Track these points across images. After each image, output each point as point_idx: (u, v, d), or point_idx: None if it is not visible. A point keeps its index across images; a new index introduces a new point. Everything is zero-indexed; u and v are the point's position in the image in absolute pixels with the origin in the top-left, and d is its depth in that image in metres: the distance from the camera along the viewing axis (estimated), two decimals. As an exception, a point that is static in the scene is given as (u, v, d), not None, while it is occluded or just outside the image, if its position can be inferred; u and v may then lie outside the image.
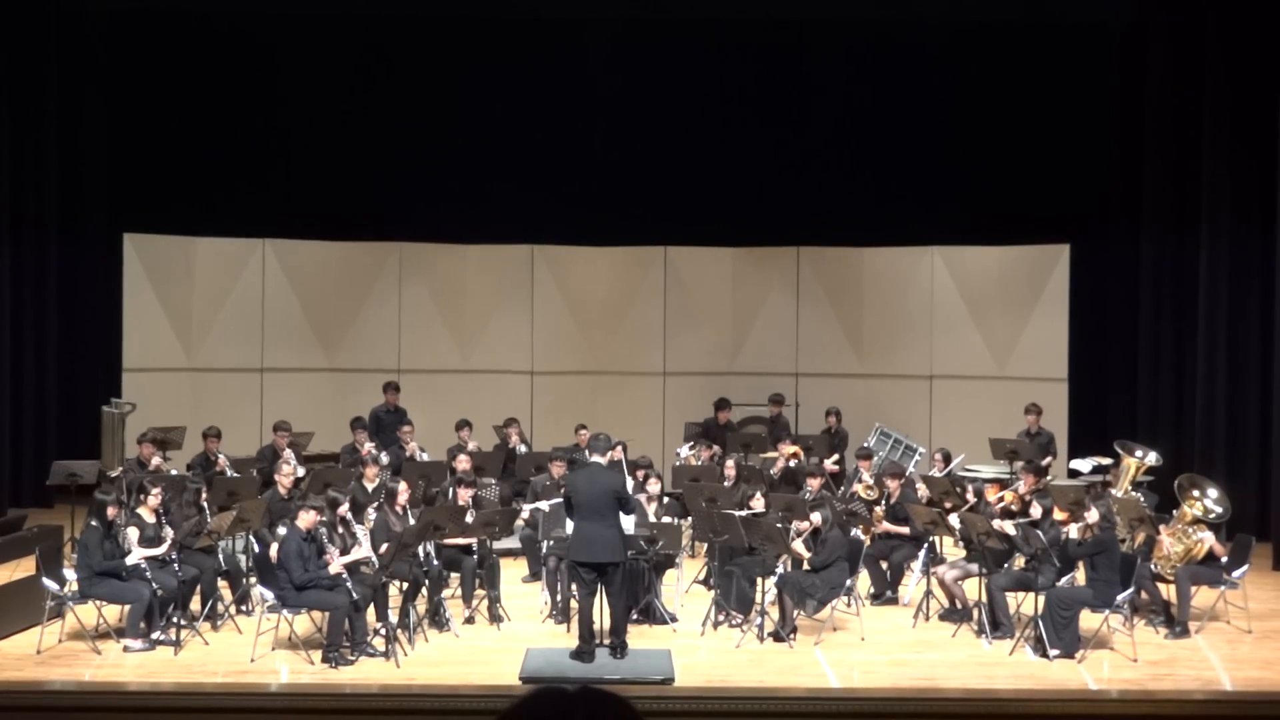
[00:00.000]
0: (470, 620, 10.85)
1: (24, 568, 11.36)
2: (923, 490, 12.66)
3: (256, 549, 10.87)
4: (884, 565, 11.72)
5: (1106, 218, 15.93)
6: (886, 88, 16.22)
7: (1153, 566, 10.90)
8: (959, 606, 10.91)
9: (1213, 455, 13.82)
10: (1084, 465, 13.35)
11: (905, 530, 11.67)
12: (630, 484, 10.95)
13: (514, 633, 10.65)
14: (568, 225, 16.55)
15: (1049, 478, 13.17)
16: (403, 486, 11.10)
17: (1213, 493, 11.29)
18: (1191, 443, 14.20)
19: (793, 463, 13.59)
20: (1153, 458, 12.24)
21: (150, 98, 16.01)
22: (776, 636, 10.30)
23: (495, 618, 10.84)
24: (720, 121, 16.37)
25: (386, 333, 16.78)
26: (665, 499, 12.28)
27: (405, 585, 10.45)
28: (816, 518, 10.61)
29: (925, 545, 11.48)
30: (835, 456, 14.42)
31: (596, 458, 10.06)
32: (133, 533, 10.27)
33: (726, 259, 17.01)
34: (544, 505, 11.88)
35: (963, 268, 16.67)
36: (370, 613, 10.00)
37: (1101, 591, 10.04)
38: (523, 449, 14.29)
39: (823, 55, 16.33)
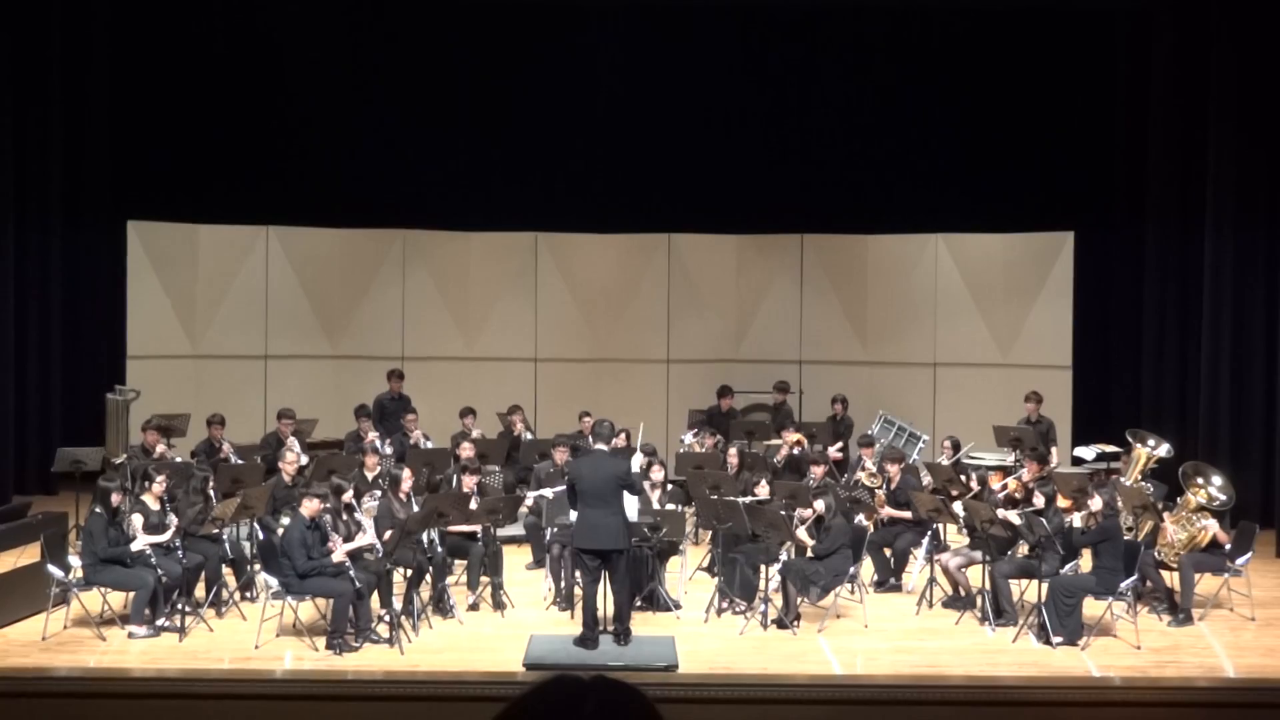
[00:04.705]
0: (474, 607, 10.88)
1: (29, 554, 11.37)
2: (927, 478, 12.67)
3: (261, 536, 10.89)
4: (887, 552, 11.73)
5: (1111, 205, 15.91)
6: (891, 75, 16.19)
7: (1156, 554, 10.90)
8: (962, 594, 10.91)
9: (1216, 443, 13.81)
10: (1088, 453, 13.34)
11: (907, 515, 11.68)
12: (638, 461, 10.92)
13: (518, 620, 10.67)
14: (572, 212, 16.53)
15: (1051, 465, 13.17)
16: (406, 473, 11.12)
17: (1217, 480, 11.29)
18: (1195, 430, 14.20)
19: (796, 450, 13.59)
20: (1164, 449, 12.22)
21: (154, 85, 15.99)
22: (780, 623, 10.32)
23: (499, 605, 10.87)
24: (725, 108, 16.34)
25: (390, 320, 16.78)
26: (669, 486, 12.29)
27: (409, 572, 10.47)
28: (820, 505, 10.62)
29: (929, 533, 11.49)
30: (839, 444, 14.42)
31: (600, 445, 10.08)
32: (137, 519, 10.29)
33: (730, 246, 17.00)
34: (548, 492, 11.90)
35: (967, 255, 16.65)
36: (374, 599, 10.03)
37: (1105, 579, 10.05)
38: (527, 436, 14.30)
39: (827, 42, 16.30)
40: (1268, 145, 13.56)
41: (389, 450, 13.25)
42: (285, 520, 10.82)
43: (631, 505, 10.13)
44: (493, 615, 10.79)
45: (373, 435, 13.50)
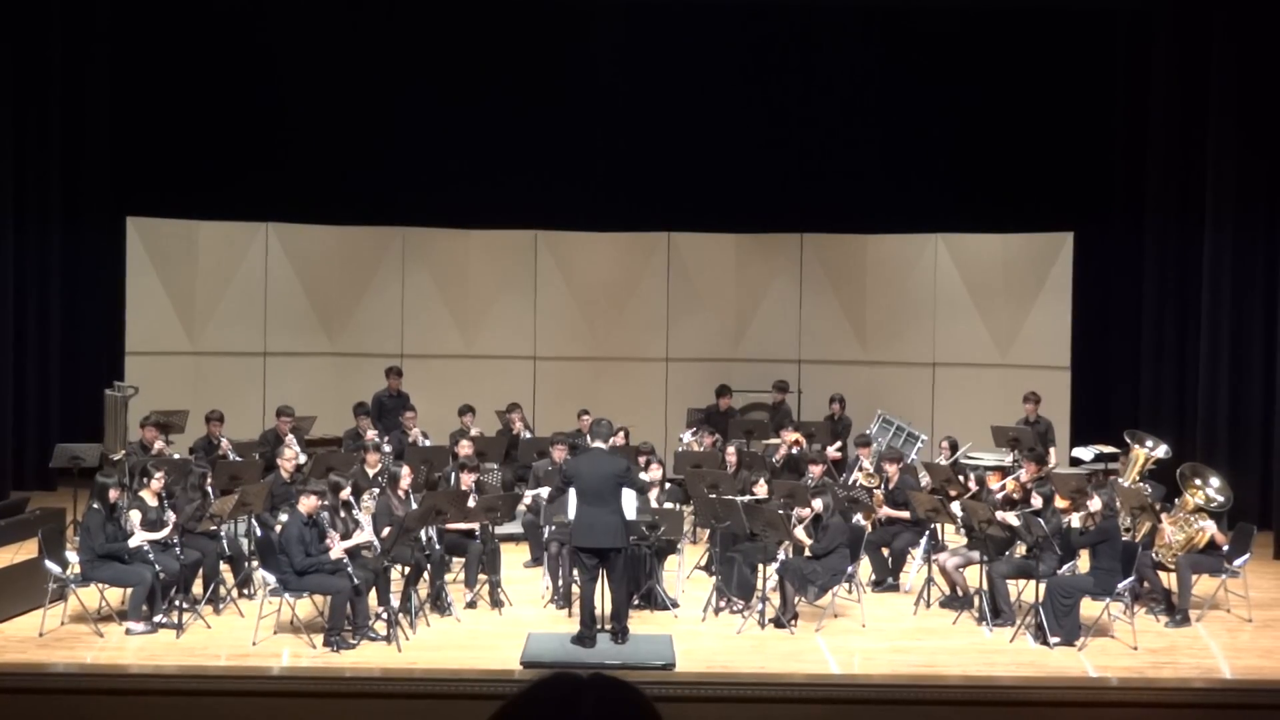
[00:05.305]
0: (472, 605, 10.88)
1: (26, 550, 11.39)
2: (925, 478, 12.67)
3: (259, 533, 10.89)
4: (885, 552, 11.73)
5: (1110, 206, 15.91)
6: (891, 74, 16.18)
7: (1154, 555, 10.91)
8: (960, 594, 10.92)
9: (1215, 444, 13.81)
10: (1086, 453, 13.35)
11: (905, 515, 11.68)
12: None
13: (515, 617, 10.67)
14: (571, 210, 16.53)
15: (1050, 466, 13.17)
16: (405, 471, 11.12)
17: (1214, 481, 11.30)
18: (1194, 431, 14.20)
19: (794, 450, 13.59)
20: (1162, 450, 12.23)
21: (153, 81, 15.98)
22: (778, 623, 10.32)
23: (496, 602, 10.86)
24: (724, 107, 16.33)
25: (389, 317, 16.78)
26: (667, 485, 12.29)
27: (407, 570, 10.46)
28: (818, 504, 10.62)
29: (926, 532, 11.49)
30: (838, 444, 14.41)
31: (599, 443, 10.07)
32: (135, 516, 10.29)
33: (730, 245, 17.00)
34: (546, 490, 11.89)
35: (966, 255, 16.65)
36: (372, 597, 10.03)
37: (1102, 580, 10.05)
38: (525, 434, 14.30)
39: (827, 42, 16.30)
40: (1268, 145, 13.55)
41: (387, 448, 13.25)
42: (283, 517, 10.82)
43: (630, 504, 10.13)
44: (490, 613, 10.78)
45: (371, 433, 13.50)
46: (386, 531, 10.23)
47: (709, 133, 16.26)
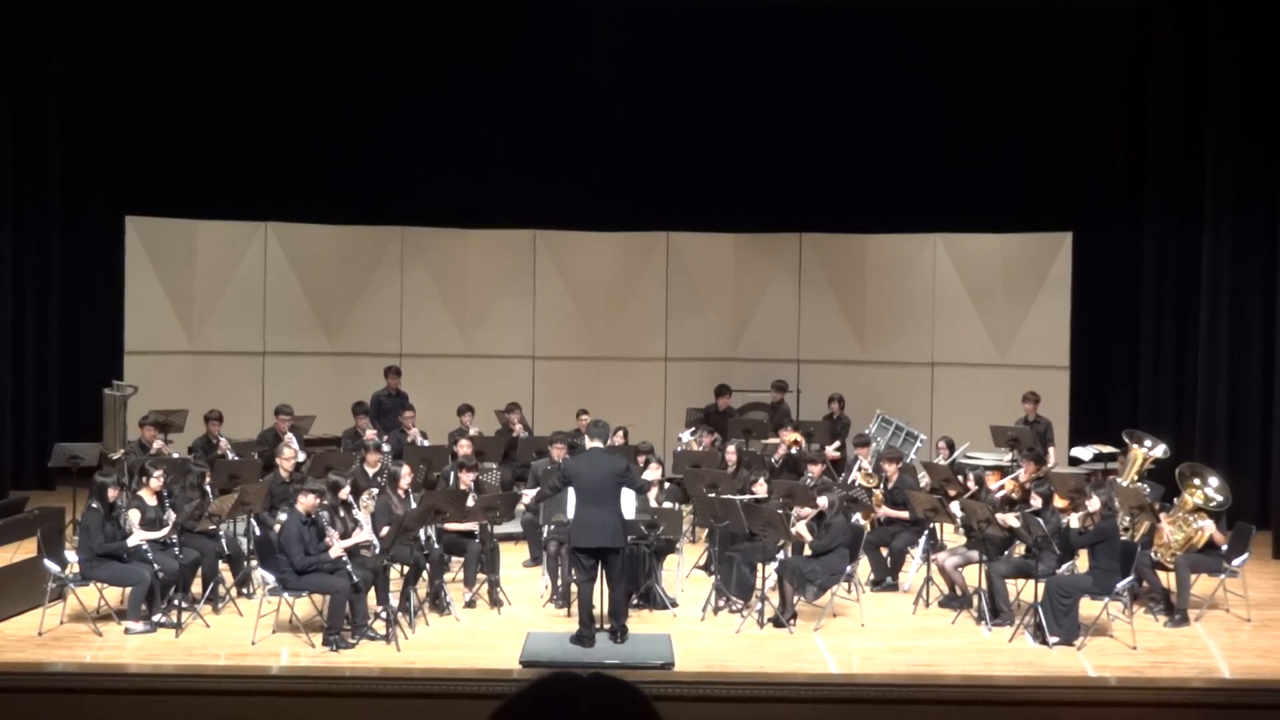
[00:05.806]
0: (471, 604, 10.88)
1: (25, 549, 11.39)
2: (924, 477, 12.67)
3: (258, 532, 10.89)
4: (884, 552, 11.73)
5: (1109, 206, 15.92)
6: (890, 74, 16.19)
7: (1153, 554, 10.91)
8: (959, 593, 10.92)
9: (1213, 444, 13.82)
10: (1085, 453, 13.35)
11: (904, 514, 11.68)
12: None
13: (514, 617, 10.67)
14: (570, 210, 16.53)
15: (1049, 465, 13.17)
16: (405, 470, 11.12)
17: (1213, 481, 11.30)
18: (1192, 431, 14.20)
19: (794, 449, 13.59)
20: (1161, 450, 12.23)
21: (153, 80, 15.98)
22: (776, 622, 10.32)
23: (496, 602, 10.87)
24: (724, 107, 16.34)
25: (388, 317, 16.77)
26: (666, 484, 12.28)
27: (406, 569, 10.46)
28: (823, 501, 10.62)
29: (926, 532, 11.49)
30: (837, 443, 14.42)
31: (596, 443, 10.08)
32: (134, 515, 10.29)
33: (729, 245, 17.00)
34: (533, 491, 11.89)
35: (965, 255, 16.66)
36: (371, 596, 10.03)
37: (1101, 579, 10.06)
38: (524, 434, 14.30)
39: (826, 41, 16.30)
40: (1266, 145, 13.55)
41: (386, 447, 13.24)
42: (282, 516, 10.82)
43: (629, 503, 10.13)
44: (489, 612, 10.79)
45: (371, 432, 13.50)
46: (385, 531, 10.23)
47: (708, 132, 16.26)
